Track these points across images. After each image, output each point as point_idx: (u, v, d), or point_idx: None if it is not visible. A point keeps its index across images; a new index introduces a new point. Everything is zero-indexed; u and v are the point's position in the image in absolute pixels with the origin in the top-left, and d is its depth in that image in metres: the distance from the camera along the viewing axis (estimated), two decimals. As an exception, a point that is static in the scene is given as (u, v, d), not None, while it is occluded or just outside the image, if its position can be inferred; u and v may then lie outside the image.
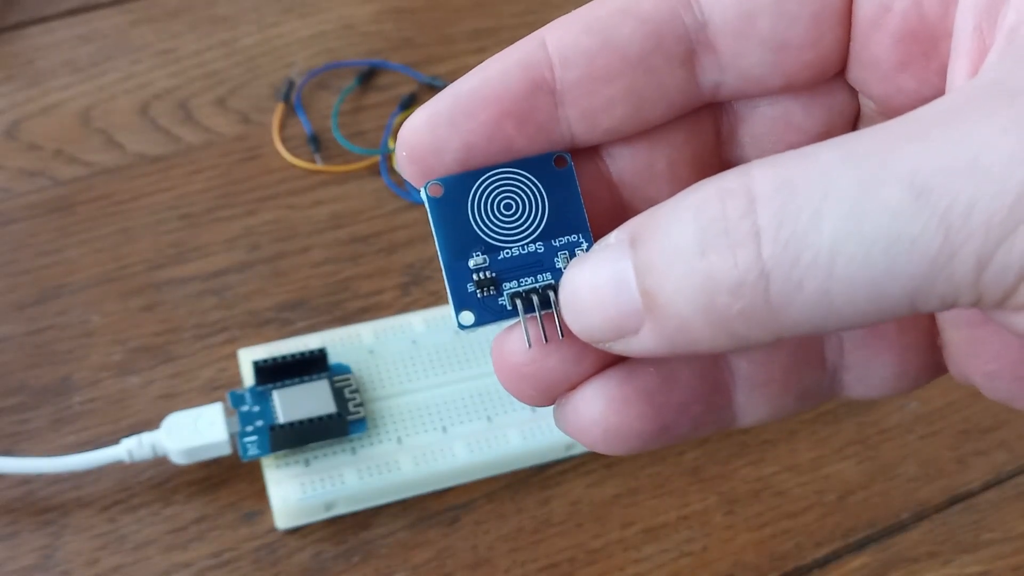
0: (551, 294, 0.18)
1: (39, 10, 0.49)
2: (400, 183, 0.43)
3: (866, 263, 0.14)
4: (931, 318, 0.20)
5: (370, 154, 0.43)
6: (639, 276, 0.16)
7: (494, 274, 0.18)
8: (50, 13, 0.49)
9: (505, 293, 0.18)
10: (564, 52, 0.18)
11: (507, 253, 0.18)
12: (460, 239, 0.18)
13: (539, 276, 0.18)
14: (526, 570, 0.33)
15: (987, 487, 0.35)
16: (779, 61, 0.18)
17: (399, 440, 0.34)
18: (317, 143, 0.44)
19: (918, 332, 0.20)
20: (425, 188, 0.18)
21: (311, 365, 0.34)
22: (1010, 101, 0.14)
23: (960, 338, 0.19)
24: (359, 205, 0.42)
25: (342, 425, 0.33)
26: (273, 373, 0.34)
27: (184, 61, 0.47)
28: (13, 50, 0.47)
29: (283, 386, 0.34)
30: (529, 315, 0.18)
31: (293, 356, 0.34)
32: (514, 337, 0.18)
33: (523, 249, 0.18)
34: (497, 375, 0.18)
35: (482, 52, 0.48)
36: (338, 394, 0.34)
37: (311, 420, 0.33)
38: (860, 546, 0.34)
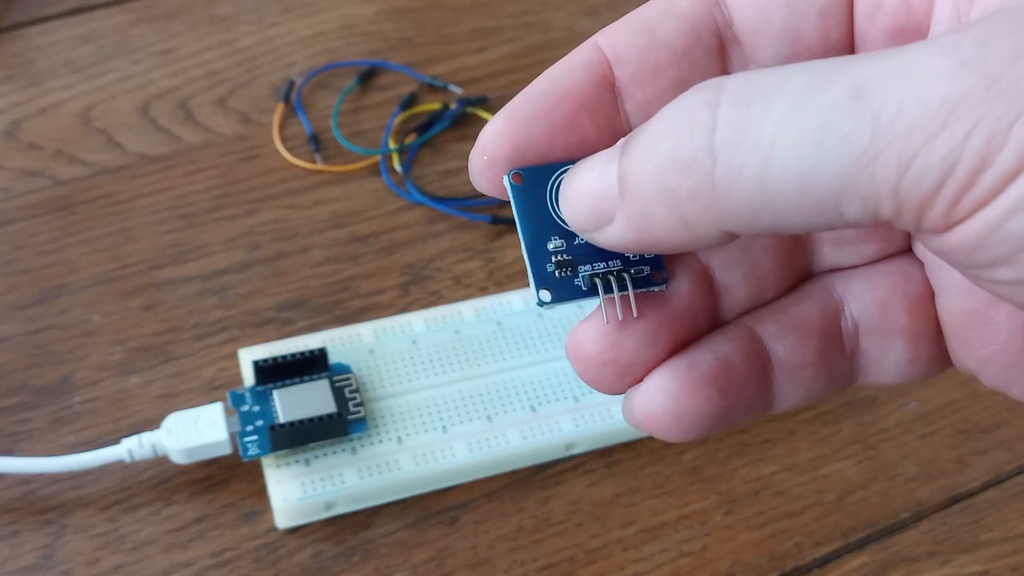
0: (625, 276, 0.19)
1: (39, 10, 0.49)
2: (400, 183, 0.43)
3: (800, 154, 0.15)
4: (934, 307, 0.20)
5: (370, 154, 0.43)
6: (620, 163, 0.17)
7: (571, 257, 0.19)
8: (50, 13, 0.49)
9: (582, 275, 0.19)
10: (618, 51, 0.20)
11: (581, 239, 0.19)
12: (539, 224, 0.20)
13: (610, 262, 0.20)
14: (526, 570, 0.33)
15: (987, 487, 0.35)
16: (793, 54, 0.20)
17: (399, 440, 0.34)
18: (317, 143, 0.44)
19: (927, 321, 0.21)
20: (508, 176, 0.19)
21: (311, 365, 0.34)
22: (957, 32, 0.15)
23: (954, 323, 0.20)
24: (359, 205, 0.42)
25: (342, 425, 0.33)
26: (273, 373, 0.34)
27: (184, 61, 0.47)
28: (13, 50, 0.47)
29: (283, 386, 0.34)
30: (606, 296, 0.19)
31: (293, 356, 0.34)
32: (591, 326, 0.19)
33: None
34: (577, 368, 0.20)
35: (482, 52, 0.48)
36: (338, 394, 0.34)
37: (311, 420, 0.33)
38: (860, 546, 0.34)
